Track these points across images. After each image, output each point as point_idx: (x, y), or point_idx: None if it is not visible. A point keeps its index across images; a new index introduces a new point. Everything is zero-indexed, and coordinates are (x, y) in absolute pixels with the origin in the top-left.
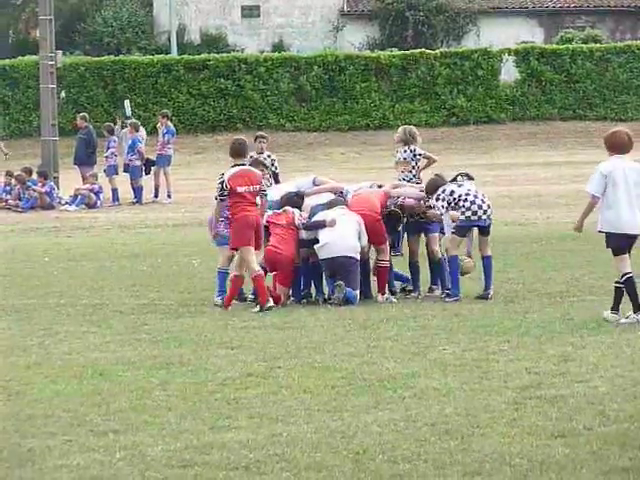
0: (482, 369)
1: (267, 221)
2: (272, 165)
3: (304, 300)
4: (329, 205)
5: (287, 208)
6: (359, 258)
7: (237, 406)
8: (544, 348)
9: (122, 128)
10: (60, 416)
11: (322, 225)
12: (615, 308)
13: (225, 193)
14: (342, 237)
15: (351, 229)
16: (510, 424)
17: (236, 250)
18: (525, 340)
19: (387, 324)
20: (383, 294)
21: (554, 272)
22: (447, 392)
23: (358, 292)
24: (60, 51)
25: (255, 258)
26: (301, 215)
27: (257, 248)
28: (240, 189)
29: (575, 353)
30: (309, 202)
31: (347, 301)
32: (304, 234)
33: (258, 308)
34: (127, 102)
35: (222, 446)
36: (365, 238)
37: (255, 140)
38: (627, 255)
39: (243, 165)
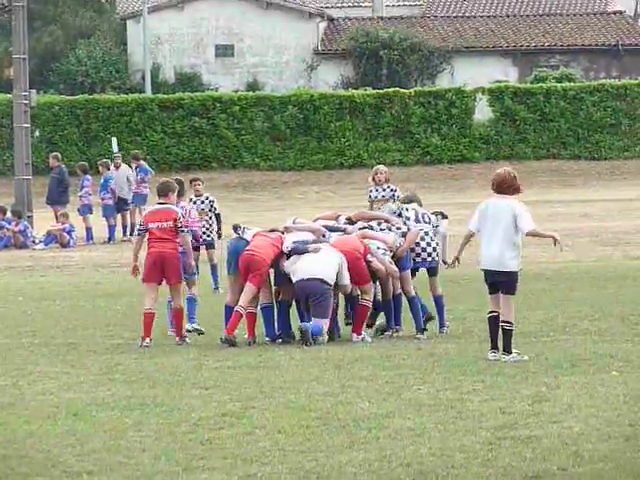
0: (456, 409)
1: (255, 233)
2: (212, 207)
3: (279, 340)
4: (313, 243)
5: (278, 231)
6: (332, 287)
7: (211, 447)
8: (518, 388)
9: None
10: (34, 457)
11: (305, 250)
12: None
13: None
14: (319, 262)
15: (331, 259)
16: (485, 464)
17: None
18: (499, 380)
19: (361, 364)
20: (359, 334)
21: (528, 312)
22: (422, 432)
23: (327, 321)
24: (34, 90)
25: (153, 295)
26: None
27: (170, 282)
28: (151, 225)
29: (549, 393)
30: (290, 238)
31: (314, 337)
32: (286, 266)
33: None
34: (114, 139)
35: None
36: (347, 277)
37: (190, 183)
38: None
39: (163, 204)
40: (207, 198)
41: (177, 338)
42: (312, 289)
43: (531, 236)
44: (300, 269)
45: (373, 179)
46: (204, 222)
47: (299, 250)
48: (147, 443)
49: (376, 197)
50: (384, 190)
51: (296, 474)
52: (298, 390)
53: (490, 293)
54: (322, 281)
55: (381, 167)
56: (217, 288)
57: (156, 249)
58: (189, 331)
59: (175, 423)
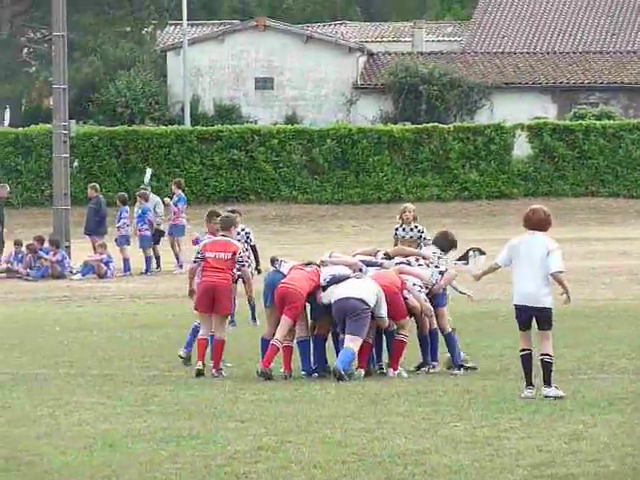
0: (493, 446)
1: (292, 267)
2: (247, 238)
3: (315, 374)
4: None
5: (314, 264)
6: (370, 309)
7: None
8: (555, 426)
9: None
10: None
11: (344, 278)
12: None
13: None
14: (359, 286)
15: (371, 286)
16: None
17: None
18: (536, 418)
19: (398, 399)
20: (395, 369)
21: (565, 349)
22: (458, 469)
23: (359, 341)
24: (73, 120)
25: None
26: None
27: (218, 312)
28: (209, 254)
29: (586, 432)
30: (327, 271)
31: (348, 372)
32: (324, 296)
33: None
34: (149, 170)
35: None
36: (384, 309)
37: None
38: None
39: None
40: (243, 229)
41: (213, 370)
42: (351, 307)
43: (553, 278)
44: (339, 292)
45: (401, 217)
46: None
47: (337, 280)
48: (183, 476)
49: (403, 237)
50: (411, 230)
51: None
52: (334, 425)
53: (521, 330)
54: (361, 301)
55: (409, 205)
56: (254, 320)
57: (210, 278)
58: (180, 357)
59: (211, 456)
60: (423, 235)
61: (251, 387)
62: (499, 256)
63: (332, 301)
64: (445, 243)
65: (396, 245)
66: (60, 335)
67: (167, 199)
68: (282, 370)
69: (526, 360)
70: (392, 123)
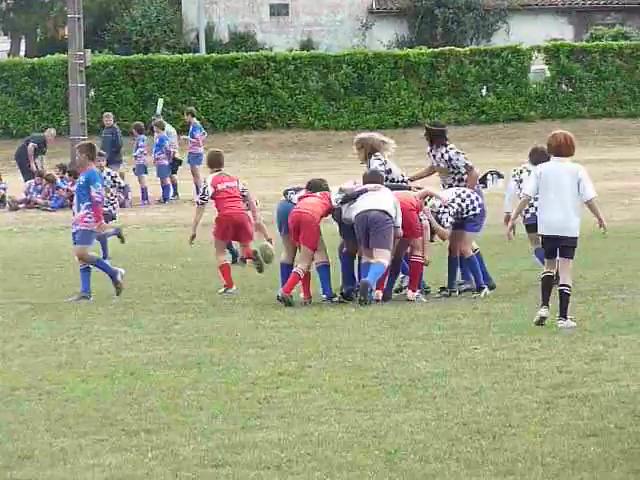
0: (513, 368)
1: (302, 196)
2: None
3: (335, 298)
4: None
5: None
6: (392, 220)
7: (268, 405)
8: (575, 347)
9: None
10: (91, 415)
11: (359, 193)
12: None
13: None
14: (379, 198)
15: (389, 197)
16: (542, 423)
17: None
18: (556, 339)
19: (417, 323)
20: (414, 291)
21: (584, 270)
22: (478, 391)
23: (388, 254)
24: (89, 50)
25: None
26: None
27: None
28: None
29: (606, 352)
30: (335, 190)
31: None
32: (344, 213)
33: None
34: (161, 100)
35: (253, 445)
36: (400, 219)
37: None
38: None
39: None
40: (108, 173)
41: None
42: (373, 218)
43: (587, 206)
44: (359, 205)
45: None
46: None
47: (353, 195)
48: (204, 402)
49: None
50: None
51: (352, 433)
52: (354, 349)
53: (547, 257)
54: (383, 212)
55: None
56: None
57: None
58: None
59: (232, 382)
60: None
61: (271, 314)
62: (527, 187)
63: (353, 216)
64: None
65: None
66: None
67: (185, 136)
68: (302, 297)
69: (547, 281)
70: (408, 47)
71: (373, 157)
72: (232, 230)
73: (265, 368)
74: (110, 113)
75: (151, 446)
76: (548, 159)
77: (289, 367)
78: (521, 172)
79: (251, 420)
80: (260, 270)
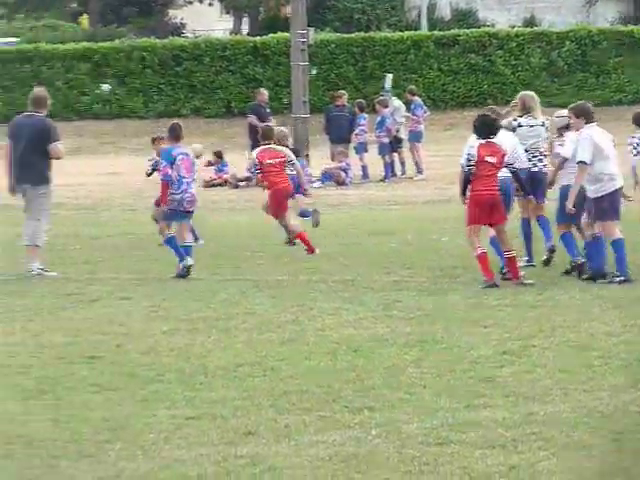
0: None
1: None
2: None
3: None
4: None
5: None
6: None
7: (492, 384)
8: None
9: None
10: (314, 392)
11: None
12: None
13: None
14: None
15: None
16: None
17: None
18: None
19: None
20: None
21: None
22: None
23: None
24: (312, 28)
25: None
26: None
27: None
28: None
29: None
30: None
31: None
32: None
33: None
34: (390, 75)
35: (478, 424)
36: None
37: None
38: None
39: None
40: None
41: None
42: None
43: None
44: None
45: None
46: None
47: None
48: (427, 380)
49: None
50: None
51: (578, 413)
52: (579, 329)
53: None
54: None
55: None
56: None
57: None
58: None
59: (454, 360)
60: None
61: (493, 293)
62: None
63: (609, 187)
64: None
65: None
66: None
67: (406, 113)
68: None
69: None
70: (632, 24)
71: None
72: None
73: (488, 347)
74: (343, 91)
75: (375, 423)
76: None
77: (512, 346)
78: None
79: (475, 399)
80: None
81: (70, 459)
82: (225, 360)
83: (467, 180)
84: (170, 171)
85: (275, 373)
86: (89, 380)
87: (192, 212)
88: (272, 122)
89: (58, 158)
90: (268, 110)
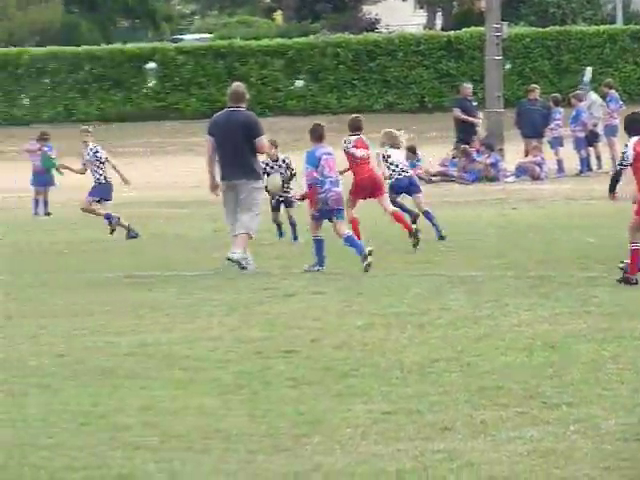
0: None
1: None
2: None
3: None
4: None
5: None
6: None
7: None
8: None
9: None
10: (511, 388)
11: None
12: None
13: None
14: None
15: None
16: None
17: None
18: None
19: None
20: None
21: None
22: None
23: None
24: (506, 22)
25: None
26: None
27: None
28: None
29: None
30: None
31: None
32: None
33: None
34: (589, 69)
35: None
36: None
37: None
38: None
39: None
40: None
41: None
42: None
43: None
44: None
45: None
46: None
47: None
48: (625, 376)
49: None
50: None
51: None
52: None
53: None
54: None
55: None
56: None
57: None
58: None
59: None
60: None
61: None
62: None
63: None
64: None
65: None
66: (496, 237)
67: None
68: None
69: None
70: None
71: None
72: None
73: None
74: (536, 85)
75: (573, 419)
76: None
77: None
78: None
79: None
80: None
81: (266, 453)
82: (420, 355)
83: (617, 178)
84: (316, 174)
85: (471, 369)
86: (285, 375)
87: (341, 209)
88: (479, 116)
89: (263, 152)
90: (475, 104)
